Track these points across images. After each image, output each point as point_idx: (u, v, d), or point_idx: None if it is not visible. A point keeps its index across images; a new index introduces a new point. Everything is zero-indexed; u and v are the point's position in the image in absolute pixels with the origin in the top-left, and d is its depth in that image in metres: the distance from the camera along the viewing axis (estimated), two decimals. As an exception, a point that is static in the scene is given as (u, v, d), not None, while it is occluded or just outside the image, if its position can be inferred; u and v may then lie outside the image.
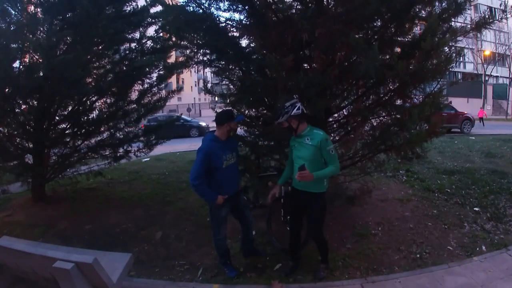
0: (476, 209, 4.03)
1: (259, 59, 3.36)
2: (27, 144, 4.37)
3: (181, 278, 2.97)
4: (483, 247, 3.23)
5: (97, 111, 4.61)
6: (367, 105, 3.48)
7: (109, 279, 2.19)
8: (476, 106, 21.42)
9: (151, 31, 4.86)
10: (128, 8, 4.48)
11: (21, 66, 3.66)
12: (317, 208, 2.66)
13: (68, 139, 4.56)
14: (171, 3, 3.82)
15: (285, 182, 2.98)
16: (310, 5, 3.30)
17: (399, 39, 3.42)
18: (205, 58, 3.94)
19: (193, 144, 10.31)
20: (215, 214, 2.80)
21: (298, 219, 2.83)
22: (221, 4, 3.61)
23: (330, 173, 2.60)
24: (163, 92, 5.20)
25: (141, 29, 4.70)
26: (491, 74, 26.10)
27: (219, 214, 2.79)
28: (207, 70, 6.01)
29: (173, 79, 19.85)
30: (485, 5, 26.17)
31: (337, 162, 2.62)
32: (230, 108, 3.51)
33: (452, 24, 3.37)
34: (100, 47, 4.30)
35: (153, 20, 4.69)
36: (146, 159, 7.05)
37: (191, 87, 41.60)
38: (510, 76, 25.05)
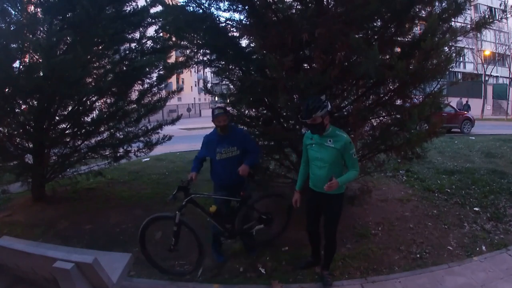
0: (476, 209, 4.03)
1: (259, 59, 3.36)
2: (27, 144, 4.37)
3: (181, 278, 2.97)
4: (483, 247, 3.24)
5: (97, 111, 4.61)
6: (367, 105, 3.48)
7: (109, 279, 2.19)
8: (477, 106, 21.42)
9: (151, 31, 4.85)
10: (128, 8, 4.47)
11: (21, 66, 3.65)
12: (336, 209, 2.63)
13: (68, 139, 4.56)
14: (171, 3, 3.83)
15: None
16: (310, 5, 3.30)
17: (399, 39, 3.42)
18: (205, 58, 3.94)
19: (193, 144, 10.30)
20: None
21: (316, 220, 2.77)
22: (221, 4, 3.61)
23: (352, 178, 2.58)
24: (163, 92, 5.19)
25: (141, 29, 4.69)
26: (491, 74, 26.05)
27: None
28: (207, 70, 6.01)
29: (173, 79, 19.86)
30: (485, 5, 26.13)
31: (357, 166, 2.57)
32: (217, 106, 3.38)
33: (452, 24, 3.37)
34: (100, 47, 4.30)
35: (153, 20, 4.68)
36: (146, 159, 7.04)
37: (191, 87, 41.57)
38: (510, 76, 25.00)
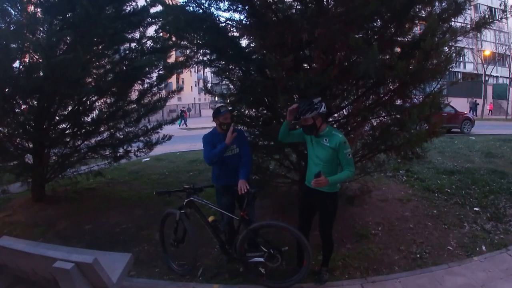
0: (476, 209, 4.03)
1: (259, 59, 3.36)
2: (27, 144, 4.37)
3: (181, 278, 2.97)
4: (483, 247, 3.24)
5: (97, 111, 4.61)
6: (367, 105, 3.48)
7: (109, 279, 2.19)
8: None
9: (151, 31, 4.86)
10: (128, 8, 4.48)
11: (21, 66, 3.66)
12: (330, 208, 2.62)
13: (68, 139, 4.56)
14: (171, 3, 3.82)
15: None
16: (310, 5, 3.30)
17: (399, 39, 3.41)
18: (205, 58, 3.93)
19: (193, 144, 10.32)
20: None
21: (308, 219, 2.75)
22: (221, 4, 3.60)
23: (345, 177, 2.58)
24: (163, 92, 5.20)
25: (141, 29, 4.70)
26: (491, 74, 26.06)
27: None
28: (207, 70, 6.01)
29: (173, 79, 19.85)
30: (485, 5, 26.16)
31: (352, 166, 2.56)
32: (220, 105, 3.34)
33: (452, 24, 3.36)
34: (100, 47, 4.29)
35: (153, 20, 4.69)
36: (146, 159, 7.05)
37: (191, 87, 41.58)
38: (510, 76, 25.00)
